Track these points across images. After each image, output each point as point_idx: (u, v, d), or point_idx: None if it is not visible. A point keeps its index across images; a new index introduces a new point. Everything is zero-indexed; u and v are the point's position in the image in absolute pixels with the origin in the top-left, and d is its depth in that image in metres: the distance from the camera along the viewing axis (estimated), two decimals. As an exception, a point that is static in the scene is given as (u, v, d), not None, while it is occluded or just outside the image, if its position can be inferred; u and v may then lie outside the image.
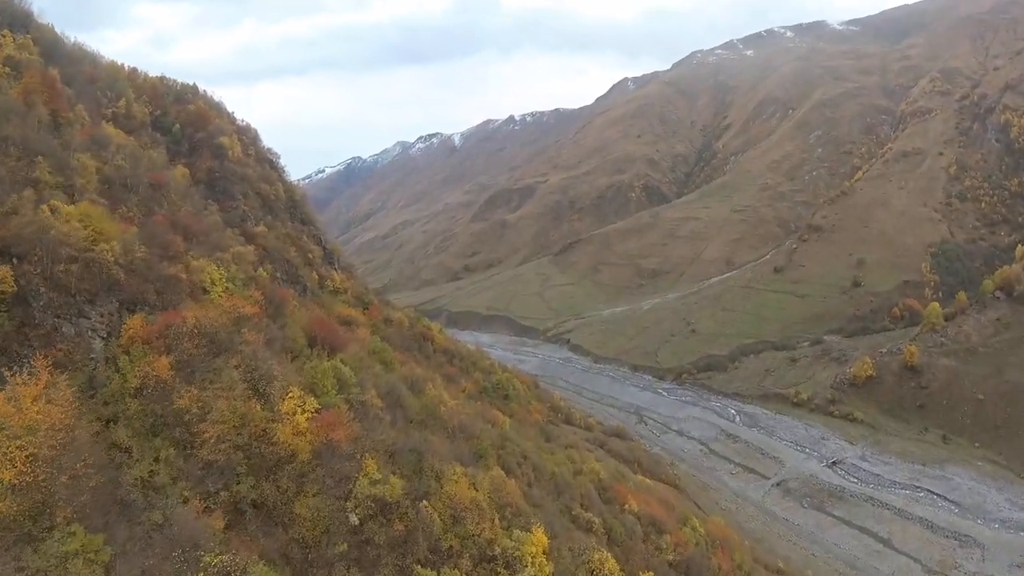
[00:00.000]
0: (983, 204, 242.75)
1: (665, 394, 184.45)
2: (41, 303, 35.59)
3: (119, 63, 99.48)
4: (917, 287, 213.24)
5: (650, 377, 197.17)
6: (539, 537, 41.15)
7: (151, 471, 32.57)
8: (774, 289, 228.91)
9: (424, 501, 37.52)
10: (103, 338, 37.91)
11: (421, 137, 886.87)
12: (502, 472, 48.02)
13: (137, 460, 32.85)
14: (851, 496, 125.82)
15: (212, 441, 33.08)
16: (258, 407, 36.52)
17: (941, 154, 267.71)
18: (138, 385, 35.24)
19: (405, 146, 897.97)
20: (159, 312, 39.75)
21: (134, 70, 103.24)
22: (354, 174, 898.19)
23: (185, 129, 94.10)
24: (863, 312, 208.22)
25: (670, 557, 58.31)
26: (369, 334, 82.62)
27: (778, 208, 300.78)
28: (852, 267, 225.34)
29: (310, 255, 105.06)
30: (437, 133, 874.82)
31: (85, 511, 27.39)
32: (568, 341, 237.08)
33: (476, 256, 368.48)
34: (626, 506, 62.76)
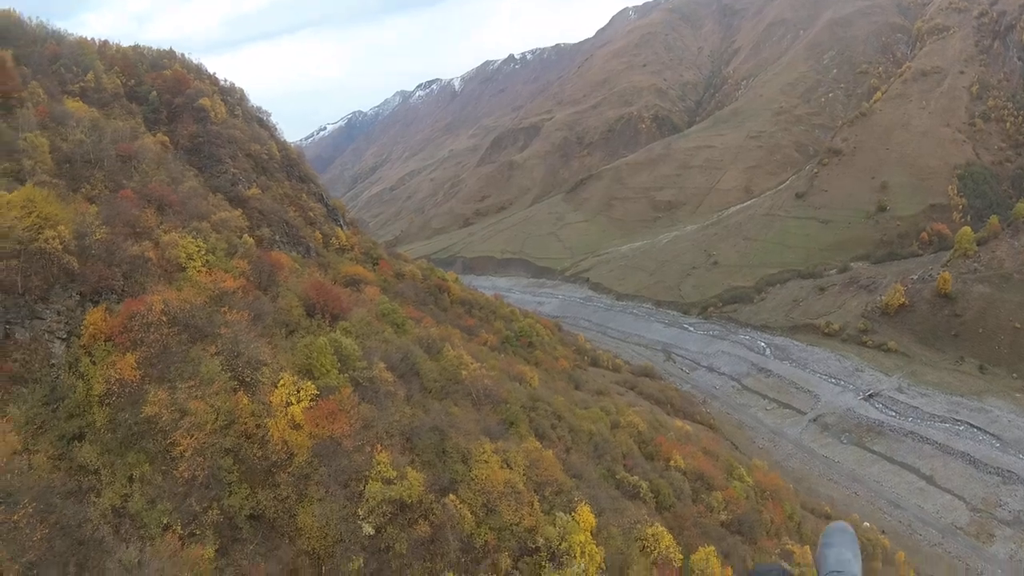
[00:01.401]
0: (1008, 124, 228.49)
1: (691, 329, 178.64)
2: (-14, 311, 30.29)
3: (88, 38, 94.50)
4: (944, 211, 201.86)
5: (675, 312, 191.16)
6: (585, 517, 35.96)
7: (124, 495, 27.35)
8: (796, 216, 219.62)
9: (451, 495, 32.21)
10: (63, 339, 32.44)
11: (420, 85, 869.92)
12: (537, 442, 42.75)
13: (108, 483, 27.63)
14: (890, 431, 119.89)
15: (189, 454, 27.68)
16: (245, 400, 31.12)
17: (962, 73, 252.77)
18: (103, 391, 29.88)
19: (405, 95, 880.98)
20: (128, 300, 34.24)
21: (105, 43, 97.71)
22: (356, 128, 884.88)
23: (162, 96, 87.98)
24: (890, 237, 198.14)
25: (723, 517, 53.32)
26: (379, 293, 77.18)
27: (795, 132, 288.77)
28: (876, 191, 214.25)
29: (311, 213, 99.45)
30: (436, 79, 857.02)
31: (35, 568, 22.17)
32: (587, 280, 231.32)
33: (486, 200, 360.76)
34: (671, 462, 57.57)
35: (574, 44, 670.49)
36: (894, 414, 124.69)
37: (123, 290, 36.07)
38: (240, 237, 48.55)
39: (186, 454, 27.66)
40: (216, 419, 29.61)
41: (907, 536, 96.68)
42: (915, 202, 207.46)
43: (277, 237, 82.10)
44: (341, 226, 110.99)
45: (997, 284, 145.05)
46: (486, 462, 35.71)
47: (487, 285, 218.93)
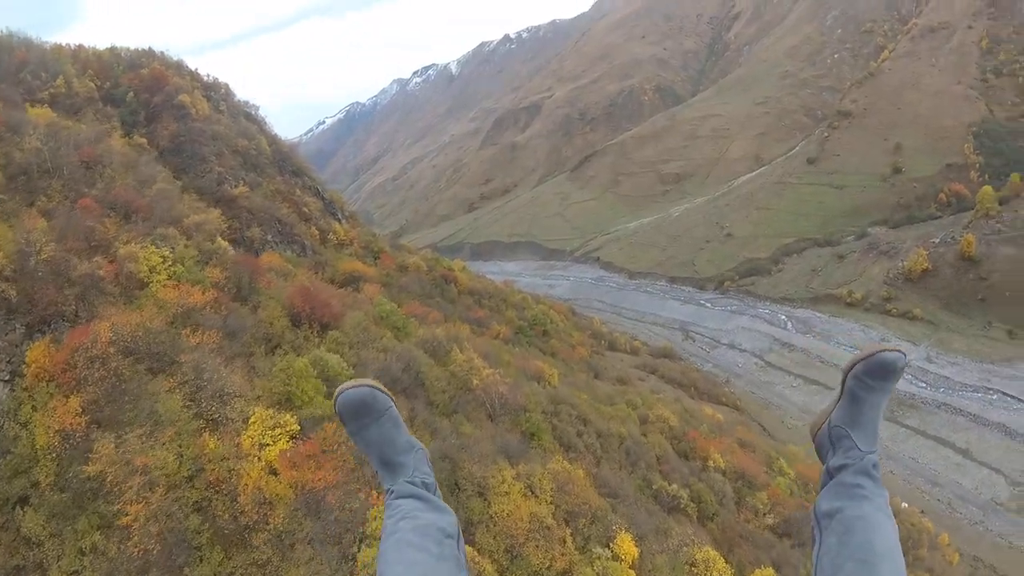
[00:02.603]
0: (1021, 79, 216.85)
1: (709, 305, 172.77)
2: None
3: (62, 44, 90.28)
4: (961, 170, 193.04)
5: (690, 288, 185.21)
6: (627, 548, 30.90)
7: (74, 572, 22.41)
8: (809, 182, 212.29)
9: (466, 546, 27.10)
10: (6, 381, 27.47)
11: (417, 71, 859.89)
12: (564, 460, 37.52)
13: (55, 559, 22.66)
14: (923, 403, 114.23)
15: (139, 524, 22.51)
16: (212, 443, 25.94)
17: (971, 27, 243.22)
18: (46, 444, 24.89)
19: (402, 83, 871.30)
20: (72, 330, 29.13)
21: (80, 47, 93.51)
22: (355, 120, 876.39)
23: (140, 96, 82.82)
24: (907, 200, 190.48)
25: (770, 521, 48.18)
26: (379, 290, 72.06)
27: (802, 96, 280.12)
28: (889, 153, 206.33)
29: (306, 209, 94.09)
30: (433, 64, 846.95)
31: None
32: (598, 259, 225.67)
33: (491, 183, 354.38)
34: (709, 461, 52.28)
35: (570, 20, 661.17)
36: (925, 385, 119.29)
37: (77, 315, 31.02)
38: (213, 241, 43.32)
39: (135, 526, 22.50)
40: (179, 470, 24.51)
41: (947, 515, 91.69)
42: (931, 162, 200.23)
43: (269, 237, 77.23)
44: (339, 220, 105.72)
45: (1023, 245, 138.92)
46: (507, 493, 30.52)
47: (496, 271, 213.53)
